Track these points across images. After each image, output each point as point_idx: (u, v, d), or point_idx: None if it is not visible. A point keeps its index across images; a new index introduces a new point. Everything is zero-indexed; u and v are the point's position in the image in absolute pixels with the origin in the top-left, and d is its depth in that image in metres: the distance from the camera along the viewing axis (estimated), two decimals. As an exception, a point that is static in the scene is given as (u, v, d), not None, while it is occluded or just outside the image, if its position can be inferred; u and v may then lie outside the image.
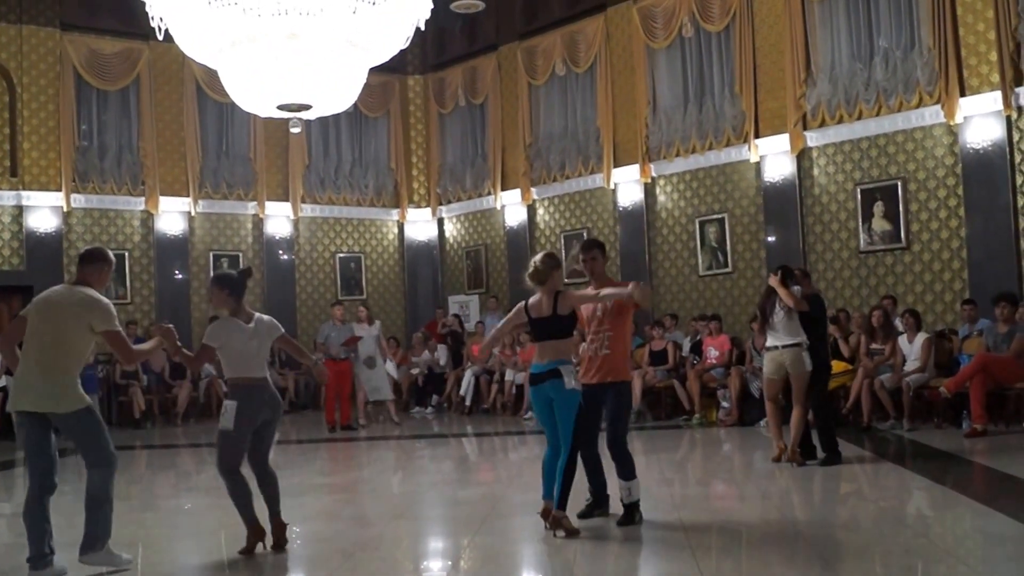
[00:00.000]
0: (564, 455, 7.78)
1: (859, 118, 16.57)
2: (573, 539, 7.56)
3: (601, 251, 8.30)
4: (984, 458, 11.04)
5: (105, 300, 7.02)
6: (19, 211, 19.76)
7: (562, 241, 21.04)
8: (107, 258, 7.26)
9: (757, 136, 17.73)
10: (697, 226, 18.89)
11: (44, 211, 19.92)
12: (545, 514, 7.80)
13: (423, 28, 10.93)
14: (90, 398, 6.98)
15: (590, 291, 8.07)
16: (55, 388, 6.81)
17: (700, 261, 18.86)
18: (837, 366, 13.99)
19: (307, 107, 11.45)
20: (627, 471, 7.98)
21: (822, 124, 17.06)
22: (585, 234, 20.54)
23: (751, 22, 17.86)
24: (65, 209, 20.10)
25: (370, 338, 17.04)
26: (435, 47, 23.71)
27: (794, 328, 10.79)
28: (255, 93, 11.37)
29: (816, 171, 17.20)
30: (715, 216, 18.63)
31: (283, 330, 7.85)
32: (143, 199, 20.98)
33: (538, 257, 8.01)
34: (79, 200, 20.38)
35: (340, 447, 15.14)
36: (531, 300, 8.00)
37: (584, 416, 7.83)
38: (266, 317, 7.77)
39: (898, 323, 14.72)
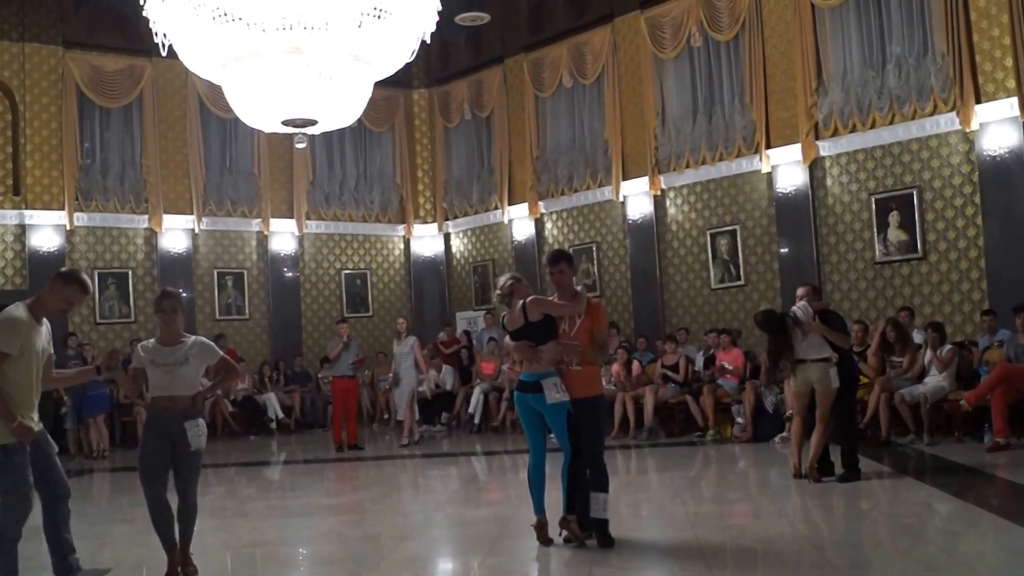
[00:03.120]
0: (565, 461, 7.91)
1: (872, 127, 16.52)
2: (580, 546, 7.65)
3: (568, 263, 8.34)
4: (1007, 472, 10.95)
5: (11, 316, 6.62)
6: (22, 230, 19.78)
7: (571, 255, 20.97)
8: (67, 278, 6.88)
9: (768, 146, 17.68)
10: (708, 238, 18.84)
11: (47, 230, 19.94)
12: (540, 528, 7.89)
13: (428, 41, 10.92)
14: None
15: (547, 299, 8.23)
16: None
17: (712, 274, 18.80)
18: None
19: (312, 122, 11.44)
20: (604, 483, 7.95)
21: (835, 133, 17.00)
22: (594, 248, 20.54)
23: (761, 31, 17.82)
24: (68, 228, 20.13)
25: (402, 353, 16.93)
26: (440, 60, 23.75)
27: (819, 342, 10.74)
28: (259, 109, 11.36)
29: (829, 181, 17.15)
30: (726, 228, 18.58)
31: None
32: (146, 217, 20.99)
33: (502, 278, 8.30)
34: (82, 219, 20.40)
35: (347, 467, 15.08)
36: (505, 315, 8.23)
37: (576, 423, 7.88)
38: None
39: (916, 335, 14.63)
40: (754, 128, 17.91)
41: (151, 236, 21.14)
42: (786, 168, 17.55)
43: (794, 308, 10.91)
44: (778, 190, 17.70)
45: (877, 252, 16.51)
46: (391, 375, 16.90)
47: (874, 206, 16.54)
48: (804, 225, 17.35)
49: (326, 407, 20.25)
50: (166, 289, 7.96)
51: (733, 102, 18.41)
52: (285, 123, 11.42)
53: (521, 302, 8.00)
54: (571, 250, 20.79)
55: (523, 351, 7.90)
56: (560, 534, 7.88)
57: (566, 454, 7.90)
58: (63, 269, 7.10)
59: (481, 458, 15.77)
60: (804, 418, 11.03)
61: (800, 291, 11.27)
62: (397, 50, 10.83)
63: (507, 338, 8.38)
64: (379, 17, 10.20)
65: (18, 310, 6.68)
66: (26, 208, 19.81)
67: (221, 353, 7.58)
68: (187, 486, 7.28)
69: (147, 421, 7.43)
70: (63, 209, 20.08)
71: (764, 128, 17.73)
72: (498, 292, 8.23)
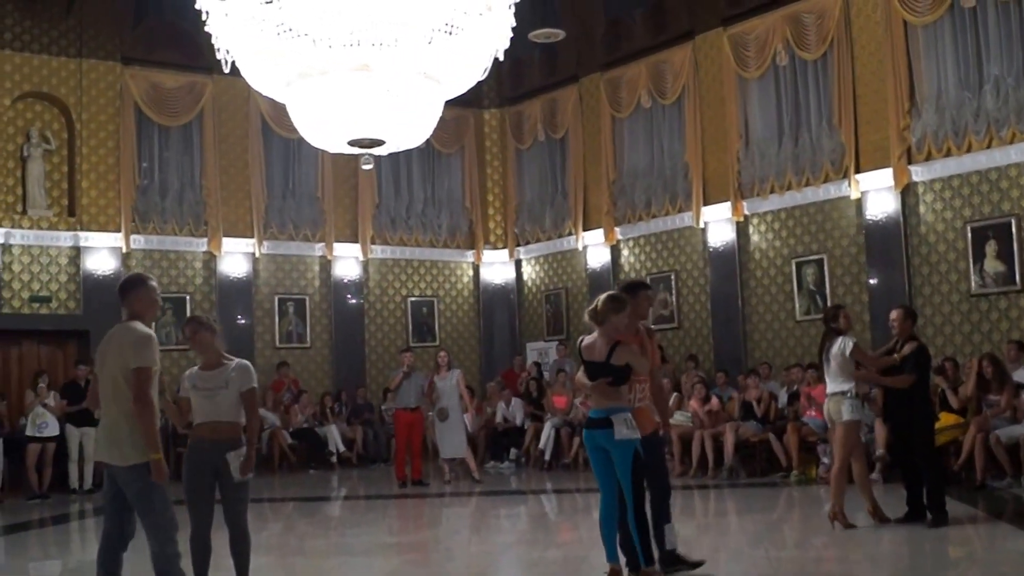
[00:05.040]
0: (631, 510, 7.80)
1: (968, 151, 16.36)
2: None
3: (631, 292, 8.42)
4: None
5: (144, 332, 6.85)
6: (76, 252, 20.01)
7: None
8: (142, 279, 7.12)
9: (858, 171, 17.57)
10: (794, 268, 18.74)
11: (102, 252, 20.15)
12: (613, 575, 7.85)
13: (501, 59, 11.00)
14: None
15: (636, 348, 8.06)
16: (113, 436, 6.80)
17: (797, 305, 18.69)
18: (946, 419, 13.79)
19: (380, 143, 11.52)
20: (668, 515, 8.04)
21: (928, 158, 16.86)
22: (673, 277, 20.51)
23: (850, 49, 17.73)
24: (124, 251, 20.33)
25: (447, 387, 16.89)
26: (512, 78, 23.84)
27: (841, 376, 10.68)
28: (325, 128, 11.47)
29: (923, 208, 17.02)
30: (813, 257, 18.48)
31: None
32: (205, 240, 21.23)
33: (603, 296, 8.08)
34: (139, 241, 20.64)
35: (411, 504, 15.16)
36: (586, 340, 8.07)
37: (642, 465, 7.85)
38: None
39: (1020, 372, 14.44)
40: (843, 152, 17.81)
41: (210, 260, 21.36)
42: (876, 194, 17.43)
43: (844, 340, 10.79)
44: (868, 217, 17.58)
45: (973, 284, 16.34)
46: (436, 409, 16.68)
47: (970, 235, 16.38)
48: (895, 255, 17.21)
49: (389, 440, 20.32)
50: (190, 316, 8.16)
51: (821, 124, 18.32)
52: (351, 143, 11.50)
53: (612, 342, 7.86)
54: (648, 278, 20.65)
55: (603, 390, 7.85)
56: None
57: (629, 502, 7.77)
58: (127, 278, 7.24)
59: (551, 496, 15.79)
60: (860, 457, 11.04)
61: (893, 314, 11.23)
62: (468, 68, 10.90)
63: (579, 372, 8.25)
64: (451, 33, 10.28)
65: (144, 326, 6.90)
66: (81, 230, 20.03)
67: (254, 384, 7.65)
68: (235, 516, 7.40)
69: (187, 450, 7.56)
70: (119, 231, 20.27)
71: (853, 152, 17.61)
72: (591, 309, 7.97)
